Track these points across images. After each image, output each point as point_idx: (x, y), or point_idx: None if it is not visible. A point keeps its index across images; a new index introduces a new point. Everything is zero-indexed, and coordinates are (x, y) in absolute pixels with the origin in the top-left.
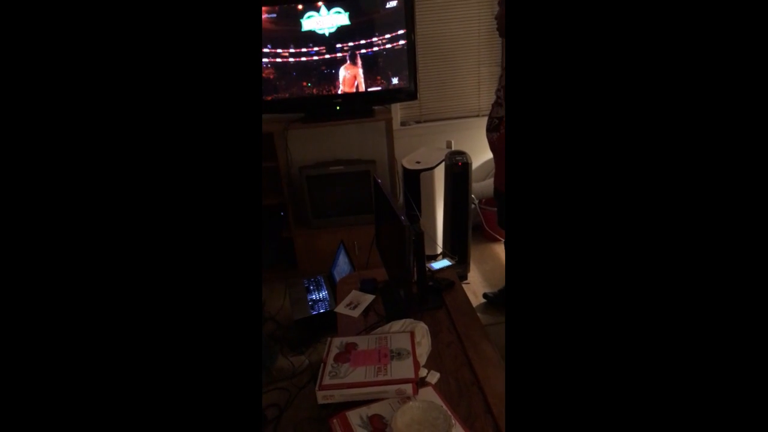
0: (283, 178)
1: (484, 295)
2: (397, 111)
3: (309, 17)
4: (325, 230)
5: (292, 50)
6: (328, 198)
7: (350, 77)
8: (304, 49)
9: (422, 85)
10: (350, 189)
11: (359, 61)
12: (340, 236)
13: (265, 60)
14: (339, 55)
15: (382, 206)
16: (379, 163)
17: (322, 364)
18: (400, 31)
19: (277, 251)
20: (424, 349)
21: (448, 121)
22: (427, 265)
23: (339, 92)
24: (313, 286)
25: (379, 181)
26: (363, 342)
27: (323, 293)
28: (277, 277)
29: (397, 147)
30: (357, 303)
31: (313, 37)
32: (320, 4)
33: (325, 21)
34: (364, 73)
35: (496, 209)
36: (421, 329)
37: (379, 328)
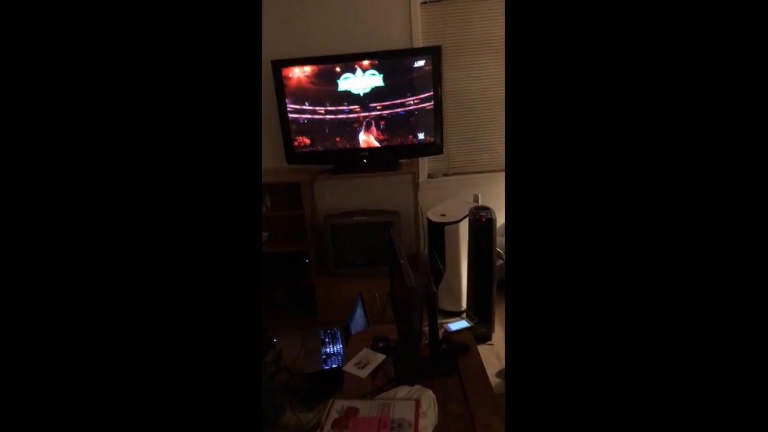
0: (308, 225)
1: None
2: (425, 164)
3: (345, 78)
4: (345, 279)
5: (328, 108)
6: (351, 247)
7: (363, 141)
8: (339, 107)
9: (449, 138)
10: (372, 239)
11: (374, 130)
12: (360, 286)
13: (301, 116)
14: (372, 114)
15: (395, 264)
16: (404, 214)
17: (319, 429)
18: (429, 91)
19: (298, 297)
20: (429, 420)
21: (475, 174)
22: (444, 325)
23: (365, 146)
24: (329, 338)
25: (395, 238)
26: (365, 407)
27: (338, 347)
28: (296, 324)
29: (423, 199)
30: (366, 362)
31: (348, 97)
32: (357, 67)
33: (360, 82)
34: (391, 130)
35: None
36: (428, 398)
37: (385, 393)
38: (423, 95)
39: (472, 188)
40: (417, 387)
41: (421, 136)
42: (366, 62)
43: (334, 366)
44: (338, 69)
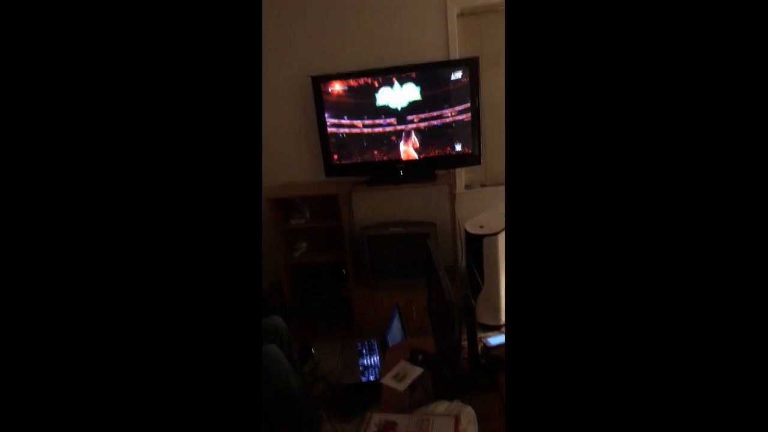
0: (345, 237)
1: None
2: (462, 175)
3: (383, 92)
4: (383, 290)
5: (366, 121)
6: (388, 258)
7: (403, 152)
8: (376, 121)
9: (487, 149)
10: (409, 250)
11: (413, 138)
12: (397, 297)
13: (340, 130)
14: (410, 126)
15: (432, 276)
16: (441, 226)
17: None
18: (467, 102)
19: (336, 308)
20: None
21: None
22: (483, 339)
23: (402, 157)
24: (366, 350)
25: (432, 249)
26: (403, 422)
27: (375, 359)
28: (334, 335)
29: (460, 210)
30: (404, 375)
31: (386, 110)
32: (394, 80)
33: (398, 96)
34: (428, 142)
35: None
36: (468, 415)
37: (424, 408)
38: (460, 107)
39: None
40: (456, 403)
41: (458, 147)
42: (404, 74)
43: (371, 378)
44: (376, 83)
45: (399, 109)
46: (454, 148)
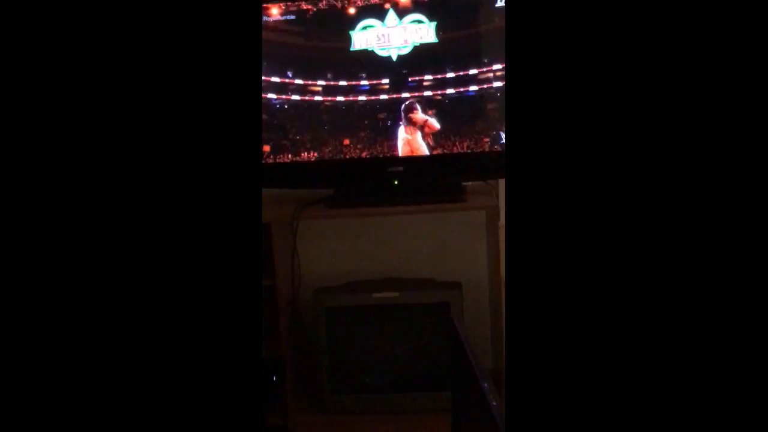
0: (282, 309)
1: None
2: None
3: (366, 28)
4: (357, 422)
5: (331, 82)
6: (366, 354)
7: (405, 143)
8: (352, 82)
9: None
10: (411, 338)
11: (421, 117)
12: None
13: (279, 97)
14: (415, 94)
15: (464, 376)
16: (471, 287)
17: None
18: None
19: None
20: None
21: None
22: None
23: (399, 154)
24: None
25: (460, 330)
26: None
27: None
28: None
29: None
30: None
31: (369, 63)
32: (387, 6)
33: (393, 35)
34: (447, 126)
35: None
36: None
37: None
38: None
39: None
40: None
41: (504, 137)
42: None
43: None
44: (352, 10)
45: (394, 59)
46: (497, 139)
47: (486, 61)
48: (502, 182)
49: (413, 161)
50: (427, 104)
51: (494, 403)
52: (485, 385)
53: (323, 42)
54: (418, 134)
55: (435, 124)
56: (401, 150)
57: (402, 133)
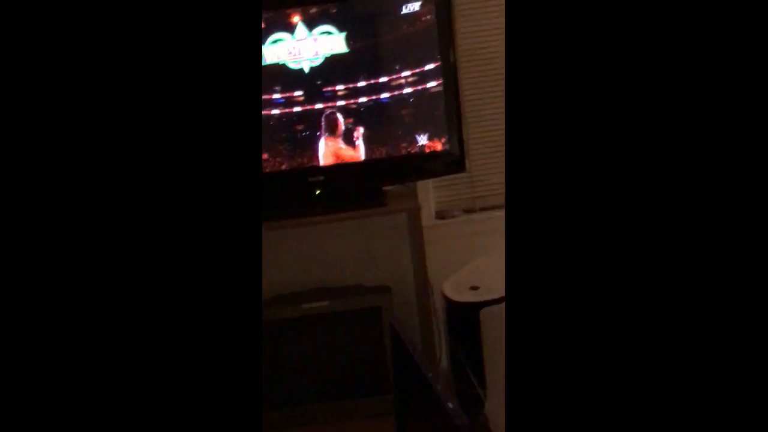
0: None
1: None
2: (429, 193)
3: (275, 42)
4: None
5: None
6: (300, 365)
7: (330, 154)
8: (263, 97)
9: (473, 144)
10: (345, 345)
11: (342, 128)
12: None
13: None
14: (328, 105)
15: (407, 378)
16: (399, 291)
17: None
18: (433, 59)
19: None
20: None
21: None
22: None
23: (320, 164)
24: None
25: (398, 329)
26: None
27: None
28: None
29: (432, 260)
30: None
31: (281, 76)
32: (296, 19)
33: (304, 48)
34: (368, 133)
35: None
36: None
37: None
38: (422, 68)
39: None
40: None
41: (422, 140)
42: (314, 9)
43: None
44: (261, 24)
45: (307, 71)
46: (414, 142)
47: (397, 68)
48: (420, 184)
49: (334, 170)
50: (345, 113)
51: (450, 405)
52: (438, 387)
53: None
54: (341, 142)
55: (360, 135)
56: (324, 160)
57: (324, 142)
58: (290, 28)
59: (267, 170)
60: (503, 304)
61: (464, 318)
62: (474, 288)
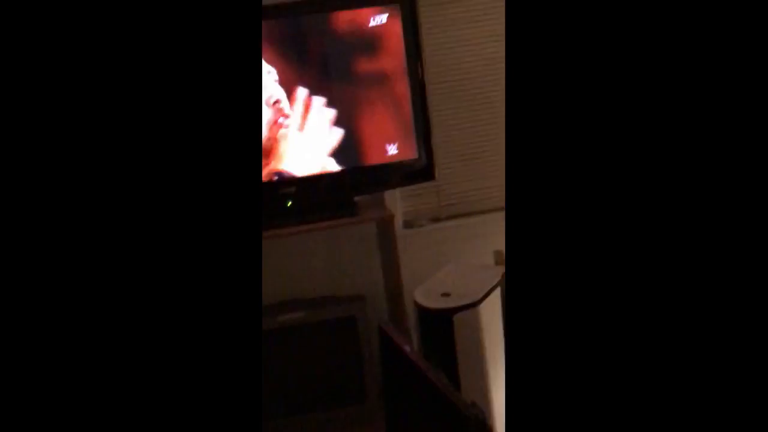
0: None
1: None
2: (396, 202)
3: None
4: None
5: None
6: (280, 377)
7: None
8: None
9: (440, 152)
10: (321, 355)
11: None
12: None
13: None
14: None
15: (400, 380)
16: (372, 299)
17: None
18: (400, 74)
19: None
20: None
21: (491, 214)
22: None
23: (291, 174)
24: None
25: (386, 327)
26: None
27: None
28: None
29: (403, 268)
30: None
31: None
32: None
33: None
34: (341, 147)
35: None
36: None
37: None
38: (391, 79)
39: (488, 240)
40: None
41: (392, 149)
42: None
43: None
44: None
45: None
46: (383, 150)
47: (366, 78)
48: (390, 193)
49: (305, 181)
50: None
51: (468, 412)
52: (440, 381)
53: None
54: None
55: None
56: (289, 166)
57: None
58: None
59: None
60: (477, 308)
61: (437, 324)
62: (445, 294)
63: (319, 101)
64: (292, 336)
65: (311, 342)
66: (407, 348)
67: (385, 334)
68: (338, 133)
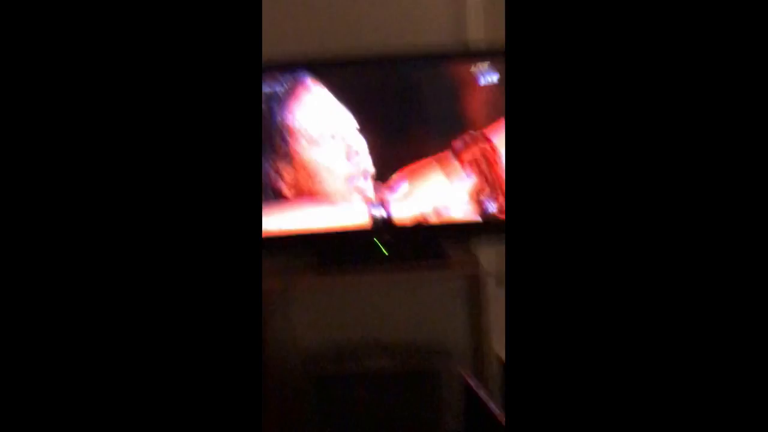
0: (266, 378)
1: None
2: (491, 256)
3: None
4: None
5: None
6: (359, 427)
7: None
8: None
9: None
10: (393, 408)
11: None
12: None
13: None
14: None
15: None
16: (456, 356)
17: None
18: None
19: None
20: None
21: None
22: None
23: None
24: None
25: (473, 381)
26: None
27: None
28: None
29: (495, 323)
30: None
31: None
32: None
33: None
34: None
35: None
36: None
37: None
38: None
39: None
40: None
41: (491, 207)
42: None
43: None
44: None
45: None
46: (482, 205)
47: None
48: (480, 245)
49: (397, 228)
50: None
51: None
52: None
53: None
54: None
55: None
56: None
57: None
58: None
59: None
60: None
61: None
62: None
63: None
64: (369, 385)
65: (384, 395)
66: (487, 401)
67: (468, 387)
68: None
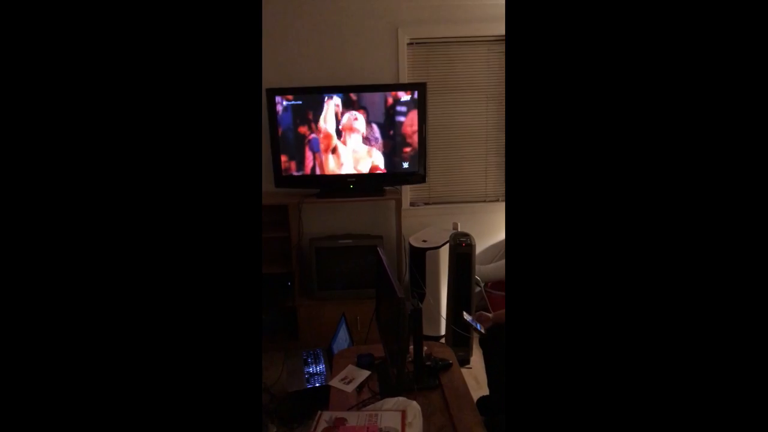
0: (293, 248)
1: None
2: (407, 192)
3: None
4: (329, 302)
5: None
6: (335, 270)
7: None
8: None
9: (431, 170)
10: (357, 263)
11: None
12: (343, 309)
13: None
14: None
15: (383, 280)
16: (387, 239)
17: None
18: (415, 128)
19: (280, 320)
20: (415, 429)
21: (455, 204)
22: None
23: (354, 171)
24: (312, 358)
25: (382, 254)
26: (353, 418)
27: (320, 367)
28: (277, 347)
29: (405, 225)
30: (352, 378)
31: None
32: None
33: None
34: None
35: (503, 293)
36: (413, 409)
37: (371, 405)
38: (413, 130)
39: (452, 217)
40: (402, 399)
41: (406, 165)
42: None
43: (317, 385)
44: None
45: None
46: (401, 166)
47: (396, 131)
48: (404, 187)
49: (361, 176)
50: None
51: (395, 283)
52: (390, 276)
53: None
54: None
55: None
56: (354, 167)
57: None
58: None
59: (326, 173)
60: (437, 250)
61: (418, 255)
62: (424, 241)
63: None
64: (343, 251)
65: (353, 256)
66: (387, 263)
67: (379, 254)
68: (380, 157)
